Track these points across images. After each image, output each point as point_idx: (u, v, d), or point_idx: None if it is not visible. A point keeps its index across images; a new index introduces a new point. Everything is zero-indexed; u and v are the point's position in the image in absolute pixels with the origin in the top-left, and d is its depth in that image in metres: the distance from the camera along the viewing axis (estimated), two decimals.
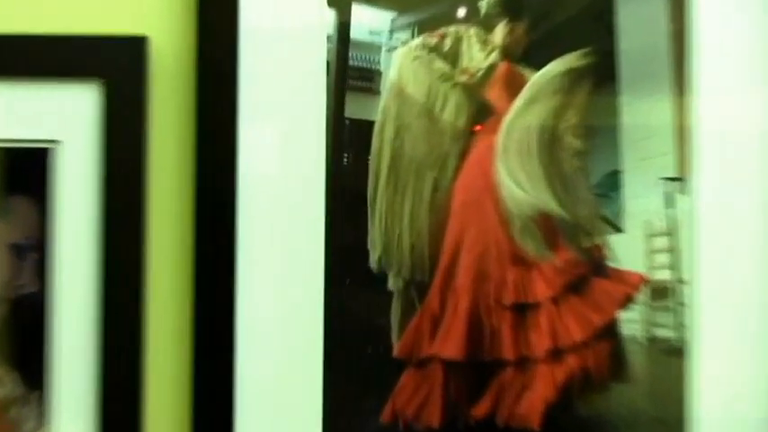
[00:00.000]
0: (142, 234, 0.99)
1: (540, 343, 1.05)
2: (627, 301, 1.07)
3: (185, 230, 1.02)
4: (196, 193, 1.00)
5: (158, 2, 1.02)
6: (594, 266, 1.07)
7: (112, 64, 0.98)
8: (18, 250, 0.99)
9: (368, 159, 1.07)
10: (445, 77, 1.07)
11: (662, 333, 1.06)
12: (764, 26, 1.05)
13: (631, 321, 1.07)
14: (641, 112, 1.07)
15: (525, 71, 1.07)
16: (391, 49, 1.07)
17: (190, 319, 1.00)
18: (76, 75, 0.99)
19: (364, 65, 1.07)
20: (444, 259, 1.06)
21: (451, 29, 1.07)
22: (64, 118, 1.00)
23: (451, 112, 1.07)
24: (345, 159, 1.07)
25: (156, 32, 1.01)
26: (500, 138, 1.07)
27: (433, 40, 1.07)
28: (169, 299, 1.02)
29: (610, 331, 1.06)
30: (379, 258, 1.06)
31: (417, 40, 1.07)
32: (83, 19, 1.02)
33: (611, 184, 1.07)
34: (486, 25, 1.07)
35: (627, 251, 1.07)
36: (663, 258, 1.07)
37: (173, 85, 1.02)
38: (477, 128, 1.08)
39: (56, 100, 1.00)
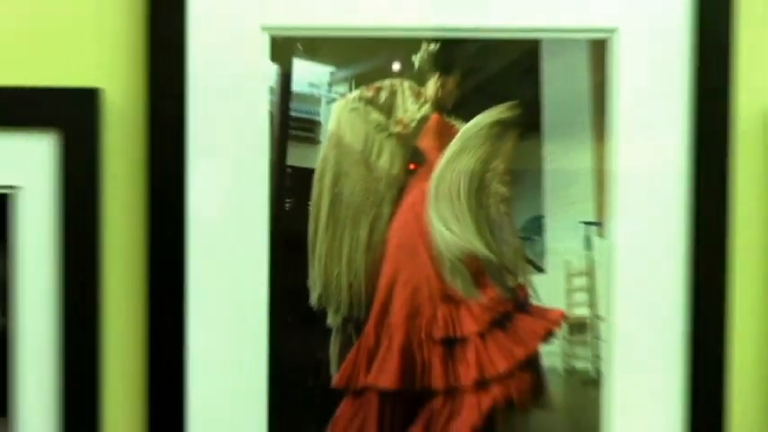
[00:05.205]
0: (97, 274, 1.04)
1: (467, 374, 1.06)
2: (548, 336, 1.08)
3: (137, 271, 1.06)
4: (148, 236, 1.04)
5: (111, 55, 1.04)
6: (518, 304, 1.08)
7: (69, 114, 1.02)
8: None
9: (308, 205, 1.08)
10: (381, 128, 1.07)
11: (579, 365, 1.08)
12: (678, 76, 1.05)
13: (552, 354, 1.08)
14: (564, 160, 1.07)
15: (455, 122, 1.07)
16: (330, 101, 1.07)
17: (143, 359, 1.05)
18: (35, 124, 1.03)
19: (305, 116, 1.07)
20: (379, 297, 1.07)
21: (387, 82, 1.07)
22: (24, 165, 1.04)
23: (387, 160, 1.07)
24: (287, 205, 1.07)
25: (109, 84, 1.05)
26: (431, 184, 1.07)
27: (369, 92, 1.07)
28: (123, 339, 1.07)
29: (532, 363, 1.07)
30: (319, 297, 1.08)
31: (355, 93, 1.07)
32: (42, 71, 1.05)
33: (534, 228, 1.07)
34: (420, 79, 1.07)
35: (548, 290, 1.08)
36: (581, 296, 1.09)
37: (125, 133, 1.06)
38: (411, 171, 1.09)
39: (16, 148, 1.03)
